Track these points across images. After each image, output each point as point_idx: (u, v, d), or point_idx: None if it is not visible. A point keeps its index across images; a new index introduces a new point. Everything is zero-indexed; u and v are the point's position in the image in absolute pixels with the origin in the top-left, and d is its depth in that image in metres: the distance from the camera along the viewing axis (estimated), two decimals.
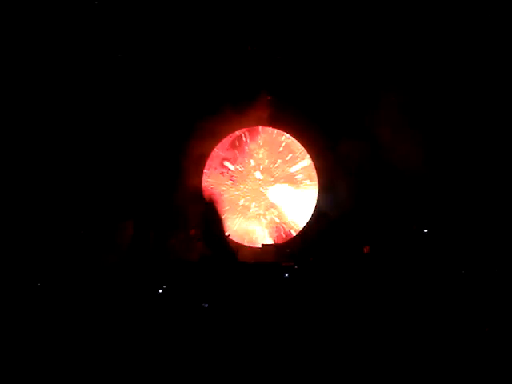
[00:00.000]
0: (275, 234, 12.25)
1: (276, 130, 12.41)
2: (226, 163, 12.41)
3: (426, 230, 11.41)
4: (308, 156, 12.38)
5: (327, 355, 6.79)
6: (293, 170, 12.46)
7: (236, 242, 11.95)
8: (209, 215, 7.87)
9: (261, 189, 12.41)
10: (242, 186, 12.41)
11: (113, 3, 10.79)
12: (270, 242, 12.13)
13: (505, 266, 9.44)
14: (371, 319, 7.51)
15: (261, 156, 12.45)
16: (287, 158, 12.46)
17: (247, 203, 12.38)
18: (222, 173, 12.38)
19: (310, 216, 12.22)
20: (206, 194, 10.63)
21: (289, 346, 7.04)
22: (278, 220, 12.37)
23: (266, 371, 6.44)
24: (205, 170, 12.21)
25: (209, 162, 12.25)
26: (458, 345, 6.87)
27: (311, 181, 12.36)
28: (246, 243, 12.19)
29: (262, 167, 12.44)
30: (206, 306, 7.63)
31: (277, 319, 7.83)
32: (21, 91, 10.74)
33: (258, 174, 12.41)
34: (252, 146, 12.44)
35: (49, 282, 9.08)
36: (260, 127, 12.38)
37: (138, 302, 8.24)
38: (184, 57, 11.46)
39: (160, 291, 8.12)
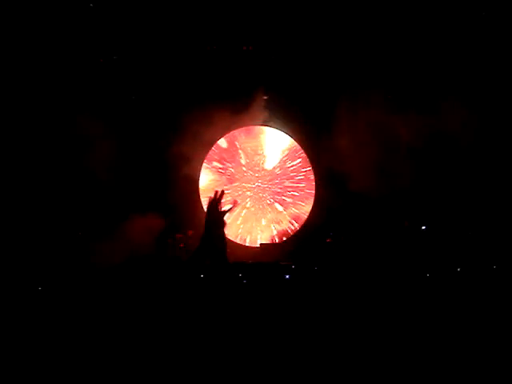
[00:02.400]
0: (273, 234, 12.23)
1: (273, 129, 12.39)
2: (224, 162, 12.38)
3: (423, 227, 11.41)
4: (305, 154, 12.37)
5: (328, 356, 6.77)
6: (290, 168, 12.45)
7: (234, 242, 11.93)
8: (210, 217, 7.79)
9: (258, 188, 12.38)
10: (239, 186, 12.38)
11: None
12: (269, 241, 12.10)
13: (503, 265, 9.45)
14: (373, 319, 7.50)
15: (258, 155, 12.42)
16: (285, 157, 12.44)
17: (244, 202, 12.36)
18: (219, 172, 12.35)
19: (307, 215, 12.22)
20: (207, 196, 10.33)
21: (289, 348, 7.01)
22: (276, 219, 12.36)
23: (266, 373, 6.42)
24: (202, 169, 12.18)
25: (206, 162, 12.21)
26: (457, 344, 6.86)
27: (309, 180, 12.35)
28: (243, 243, 12.17)
29: (259, 166, 12.41)
30: (206, 308, 7.59)
31: (277, 320, 7.81)
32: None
33: (255, 173, 12.38)
34: (249, 145, 12.41)
35: (49, 282, 9.07)
36: (257, 126, 12.35)
37: (136, 302, 8.21)
38: (180, 57, 11.41)
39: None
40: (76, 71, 11.08)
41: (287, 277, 8.36)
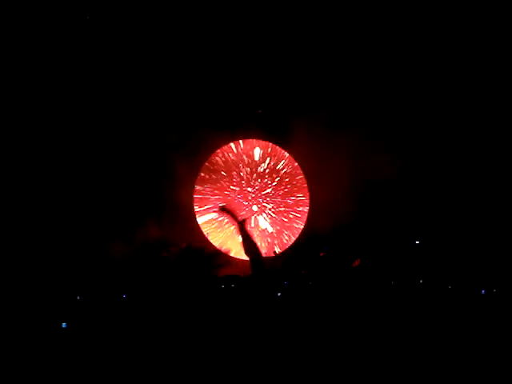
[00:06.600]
0: (267, 247, 12.21)
1: (265, 143, 12.40)
2: (218, 176, 12.40)
3: (417, 242, 11.43)
4: (298, 166, 12.39)
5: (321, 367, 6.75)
6: (282, 181, 12.45)
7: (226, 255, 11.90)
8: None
9: (250, 202, 12.37)
10: (231, 198, 12.37)
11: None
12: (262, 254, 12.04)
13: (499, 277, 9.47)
14: (368, 336, 7.49)
15: (250, 168, 12.42)
16: (277, 169, 12.45)
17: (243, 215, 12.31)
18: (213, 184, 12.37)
19: (301, 228, 12.24)
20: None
21: (282, 361, 6.98)
22: (268, 232, 12.34)
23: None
24: (196, 186, 12.21)
25: (201, 176, 12.24)
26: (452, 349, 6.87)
27: (303, 195, 12.38)
28: (236, 256, 12.14)
29: (251, 179, 12.40)
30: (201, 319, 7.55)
31: (270, 333, 7.78)
32: None
33: (251, 186, 12.38)
34: (241, 158, 12.41)
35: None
36: (251, 140, 12.38)
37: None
38: (173, 69, 11.42)
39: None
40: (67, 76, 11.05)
41: (279, 294, 8.32)
